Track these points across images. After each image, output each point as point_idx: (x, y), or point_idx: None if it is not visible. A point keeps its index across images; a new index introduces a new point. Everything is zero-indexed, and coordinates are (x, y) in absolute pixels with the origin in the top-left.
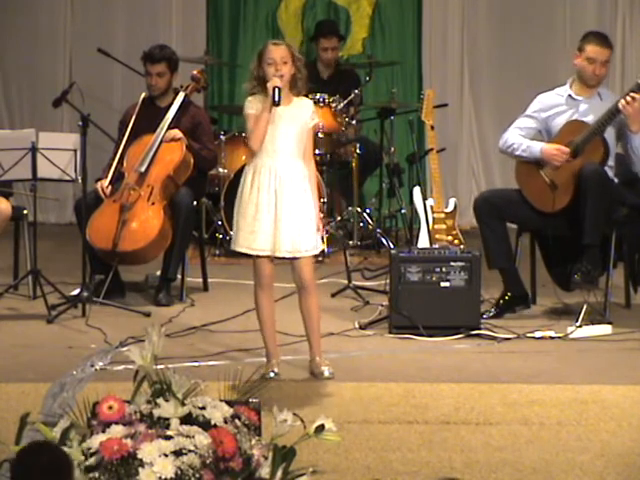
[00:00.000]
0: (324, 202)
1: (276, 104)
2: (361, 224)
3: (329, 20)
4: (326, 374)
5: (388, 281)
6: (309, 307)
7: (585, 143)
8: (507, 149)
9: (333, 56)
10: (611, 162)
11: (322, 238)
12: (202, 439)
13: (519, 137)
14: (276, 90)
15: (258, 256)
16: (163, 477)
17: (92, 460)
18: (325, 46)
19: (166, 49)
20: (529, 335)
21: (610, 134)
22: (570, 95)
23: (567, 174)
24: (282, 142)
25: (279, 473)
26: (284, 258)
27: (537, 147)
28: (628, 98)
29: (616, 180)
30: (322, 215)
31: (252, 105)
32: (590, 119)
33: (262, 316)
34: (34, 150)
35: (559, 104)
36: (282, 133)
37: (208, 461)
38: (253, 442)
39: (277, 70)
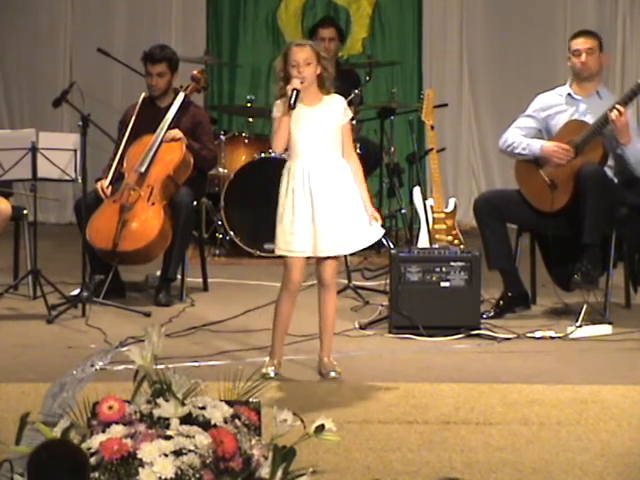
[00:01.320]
0: None
1: (292, 107)
2: None
3: (328, 15)
4: (332, 375)
5: (388, 281)
6: (326, 306)
7: (585, 143)
8: (507, 148)
9: (331, 47)
10: (610, 162)
11: (382, 226)
12: (202, 439)
13: (519, 136)
14: (294, 93)
15: (294, 259)
16: (163, 477)
17: (92, 460)
18: (323, 36)
19: (166, 49)
20: (529, 335)
21: (610, 133)
22: (570, 94)
23: (566, 174)
24: (314, 142)
25: (279, 473)
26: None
27: (537, 145)
28: (615, 112)
29: (615, 180)
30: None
31: (278, 109)
32: (590, 118)
33: (279, 316)
34: (34, 150)
35: (559, 103)
36: (313, 133)
37: (208, 461)
38: (253, 442)
39: (299, 72)
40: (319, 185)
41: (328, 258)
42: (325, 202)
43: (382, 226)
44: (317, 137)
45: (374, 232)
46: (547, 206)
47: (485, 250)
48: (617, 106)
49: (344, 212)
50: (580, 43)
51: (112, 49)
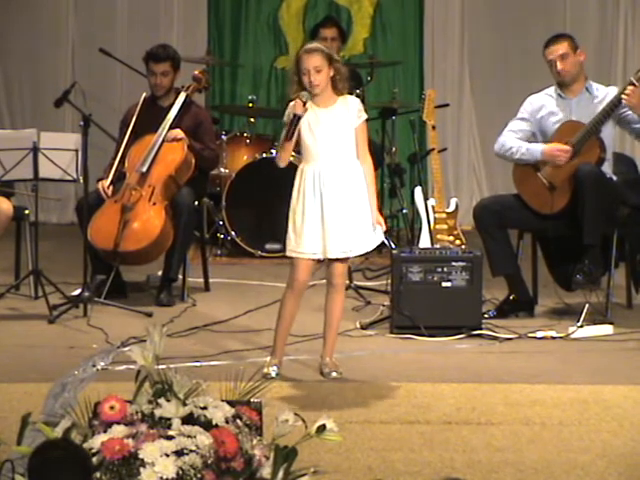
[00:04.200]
0: None
1: (289, 138)
2: None
3: (329, 15)
4: (333, 375)
5: (390, 281)
6: (333, 306)
7: (582, 143)
8: (505, 153)
9: (333, 47)
10: (609, 156)
11: (386, 231)
12: (203, 439)
13: (516, 140)
14: (295, 118)
15: (301, 260)
16: (164, 477)
17: (93, 460)
18: (325, 35)
19: (169, 48)
20: (530, 335)
21: (606, 132)
22: (560, 95)
23: (564, 175)
24: (325, 145)
25: (280, 473)
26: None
27: (538, 149)
28: (627, 91)
29: (615, 177)
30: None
31: (288, 114)
32: (583, 115)
33: (283, 315)
34: (36, 150)
35: (550, 104)
36: (325, 136)
37: (209, 461)
38: (254, 442)
39: (310, 80)
40: (330, 187)
41: (338, 260)
42: (334, 204)
43: (385, 232)
44: (331, 139)
45: (376, 237)
46: (547, 208)
47: (488, 257)
48: (629, 87)
49: (352, 215)
50: (552, 52)
51: (114, 49)
